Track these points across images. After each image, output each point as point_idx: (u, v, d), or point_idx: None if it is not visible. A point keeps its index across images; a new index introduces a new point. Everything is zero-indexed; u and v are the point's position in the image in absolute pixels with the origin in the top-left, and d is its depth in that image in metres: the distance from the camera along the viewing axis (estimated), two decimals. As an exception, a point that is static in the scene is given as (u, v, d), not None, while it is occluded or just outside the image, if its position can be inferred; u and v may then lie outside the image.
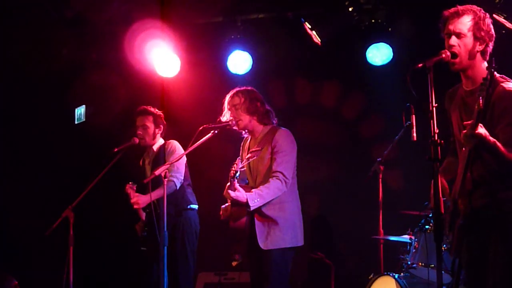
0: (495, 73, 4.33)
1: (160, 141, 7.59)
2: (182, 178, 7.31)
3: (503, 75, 4.44)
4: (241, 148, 6.69)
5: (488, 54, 4.45)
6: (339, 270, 8.69)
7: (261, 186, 6.12)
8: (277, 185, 6.10)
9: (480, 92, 4.01)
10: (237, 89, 6.51)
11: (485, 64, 4.42)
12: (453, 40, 4.42)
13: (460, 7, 4.47)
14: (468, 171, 4.29)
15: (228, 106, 6.46)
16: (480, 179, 4.34)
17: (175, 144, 7.45)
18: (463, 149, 4.33)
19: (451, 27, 4.45)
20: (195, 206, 7.49)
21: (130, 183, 7.23)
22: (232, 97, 6.46)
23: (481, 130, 4.04)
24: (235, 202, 6.08)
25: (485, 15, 4.47)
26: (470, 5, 4.49)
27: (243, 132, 6.53)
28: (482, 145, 4.11)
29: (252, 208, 6.02)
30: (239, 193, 5.96)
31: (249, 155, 6.11)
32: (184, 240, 7.28)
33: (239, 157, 6.24)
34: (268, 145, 6.28)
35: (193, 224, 7.41)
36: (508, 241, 4.25)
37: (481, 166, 4.32)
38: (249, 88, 6.53)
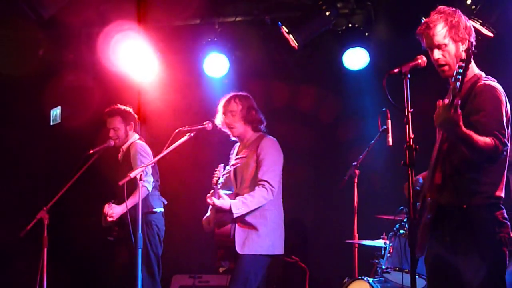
0: (482, 73, 4.37)
1: (132, 139, 7.54)
2: (152, 180, 7.23)
3: (488, 76, 4.46)
4: (230, 155, 6.62)
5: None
6: (313, 273, 8.69)
7: (246, 194, 6.08)
8: (263, 194, 6.06)
9: (457, 73, 3.93)
10: (234, 93, 6.42)
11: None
12: (436, 53, 4.43)
13: (428, 20, 4.45)
14: (439, 165, 4.33)
15: (223, 110, 6.37)
16: (450, 173, 4.35)
17: (138, 147, 7.35)
18: (436, 145, 4.38)
19: (429, 41, 4.44)
20: (159, 209, 7.41)
21: (110, 202, 7.19)
22: (228, 101, 6.37)
23: (457, 112, 3.97)
24: (219, 209, 6.06)
25: (455, 12, 4.44)
26: (438, 10, 4.47)
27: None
28: (453, 131, 4.06)
29: (235, 216, 6.00)
30: (223, 201, 5.94)
31: (234, 161, 6.09)
32: (146, 243, 7.12)
33: (221, 164, 6.15)
34: (254, 152, 6.24)
35: (155, 227, 7.32)
36: (478, 240, 4.25)
37: (454, 159, 4.33)
38: (245, 94, 6.45)
